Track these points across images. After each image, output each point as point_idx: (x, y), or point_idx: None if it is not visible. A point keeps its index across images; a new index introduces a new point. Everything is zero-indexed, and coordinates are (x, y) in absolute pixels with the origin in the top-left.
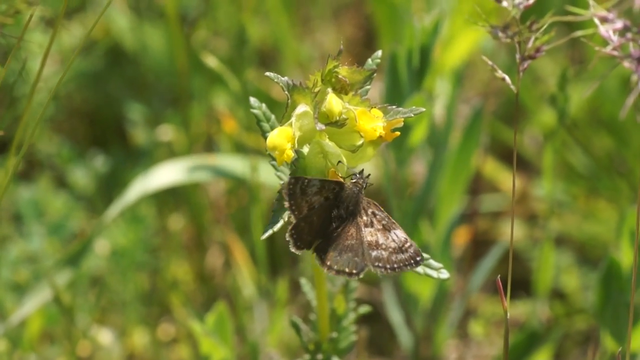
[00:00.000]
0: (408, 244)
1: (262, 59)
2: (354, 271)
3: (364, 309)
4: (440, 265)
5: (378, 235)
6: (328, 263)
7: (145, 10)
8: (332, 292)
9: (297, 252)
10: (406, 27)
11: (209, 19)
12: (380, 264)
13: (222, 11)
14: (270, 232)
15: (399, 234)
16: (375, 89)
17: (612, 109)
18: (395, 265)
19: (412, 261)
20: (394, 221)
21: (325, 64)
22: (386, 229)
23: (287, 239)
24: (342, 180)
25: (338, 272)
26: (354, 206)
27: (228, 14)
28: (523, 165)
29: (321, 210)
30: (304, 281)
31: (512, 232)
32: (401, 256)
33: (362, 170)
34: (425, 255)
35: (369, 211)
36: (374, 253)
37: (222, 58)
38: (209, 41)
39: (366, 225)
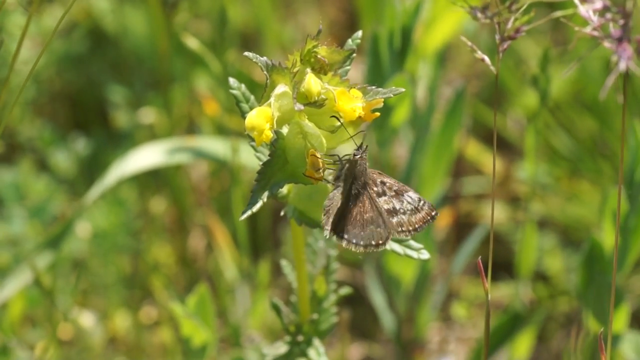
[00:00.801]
0: (422, 202)
1: (244, 41)
2: (380, 242)
3: (345, 290)
4: (420, 245)
5: (393, 201)
6: (354, 241)
7: None
8: (313, 274)
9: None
10: (387, 8)
11: (190, 2)
12: (403, 229)
13: None
14: (249, 212)
15: (412, 195)
16: (358, 70)
17: (595, 91)
18: (417, 226)
19: (429, 217)
20: (403, 184)
21: (305, 44)
22: (399, 193)
23: (325, 227)
24: (352, 156)
25: (365, 246)
26: (364, 179)
27: None
28: (506, 147)
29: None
30: (284, 263)
31: (492, 214)
32: (419, 215)
33: (362, 142)
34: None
35: (378, 181)
36: (395, 219)
37: (203, 40)
38: (191, 23)
39: (379, 195)
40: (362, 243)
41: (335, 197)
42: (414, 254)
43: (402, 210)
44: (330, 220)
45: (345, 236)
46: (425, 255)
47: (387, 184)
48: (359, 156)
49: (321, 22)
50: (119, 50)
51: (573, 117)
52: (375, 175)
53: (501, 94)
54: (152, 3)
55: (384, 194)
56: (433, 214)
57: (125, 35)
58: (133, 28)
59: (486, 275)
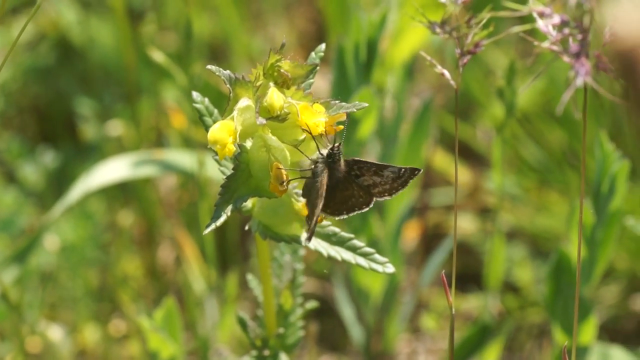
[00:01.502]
0: (402, 170)
1: (212, 52)
2: (364, 206)
3: (312, 304)
4: (385, 259)
5: (373, 178)
6: (337, 212)
7: (94, 4)
8: (279, 288)
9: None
10: (353, 20)
11: (157, 13)
12: (385, 194)
13: (170, 5)
14: (212, 226)
15: (392, 168)
16: (326, 80)
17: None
18: (399, 187)
19: (412, 175)
20: (382, 163)
21: (269, 57)
22: (379, 170)
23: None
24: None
25: (348, 213)
26: (341, 173)
27: (176, 8)
28: (475, 158)
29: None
30: (250, 277)
31: (455, 224)
32: (401, 180)
33: (335, 140)
34: (370, 250)
35: (354, 167)
36: (376, 190)
37: (170, 52)
38: (158, 35)
39: (357, 177)
40: (345, 213)
41: (315, 201)
42: (379, 268)
43: (383, 182)
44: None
45: (328, 210)
46: (390, 269)
47: (365, 166)
48: (336, 154)
49: (285, 37)
50: (87, 62)
51: (541, 128)
52: (351, 162)
53: (469, 105)
54: (118, 15)
55: (362, 175)
56: (415, 172)
57: (93, 48)
58: (100, 40)
59: (453, 287)
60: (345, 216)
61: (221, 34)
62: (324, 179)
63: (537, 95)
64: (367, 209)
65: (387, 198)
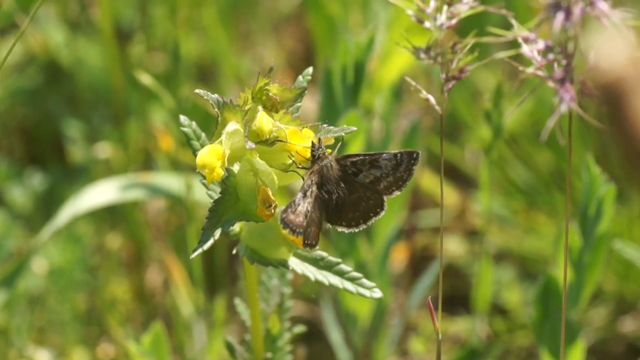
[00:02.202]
0: (398, 155)
1: (201, 73)
2: (378, 210)
3: (299, 328)
4: (373, 284)
5: (372, 172)
6: (353, 224)
7: (82, 26)
8: (267, 312)
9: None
10: (340, 43)
11: (146, 33)
12: (394, 188)
13: (159, 25)
14: (199, 250)
15: (385, 155)
16: (314, 101)
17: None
18: (405, 176)
19: (413, 161)
20: (373, 152)
21: (257, 80)
22: (373, 161)
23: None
24: (312, 162)
25: (366, 222)
26: (334, 174)
27: (165, 28)
28: (463, 180)
29: (316, 202)
30: (237, 301)
31: (441, 246)
32: (402, 167)
33: (317, 139)
34: (357, 274)
35: (348, 163)
36: (382, 185)
37: (159, 73)
38: (146, 56)
39: (356, 174)
40: (361, 222)
41: (307, 211)
42: (367, 293)
43: (384, 174)
44: (308, 234)
45: (344, 223)
46: (377, 294)
47: (359, 161)
48: (319, 148)
49: (273, 58)
50: (75, 84)
51: (529, 150)
52: (342, 160)
53: (457, 126)
54: (107, 36)
55: (360, 171)
56: (414, 156)
57: (81, 69)
58: (88, 61)
59: (440, 312)
60: (364, 226)
61: (209, 55)
62: (313, 178)
63: (524, 117)
64: (382, 212)
65: (397, 193)
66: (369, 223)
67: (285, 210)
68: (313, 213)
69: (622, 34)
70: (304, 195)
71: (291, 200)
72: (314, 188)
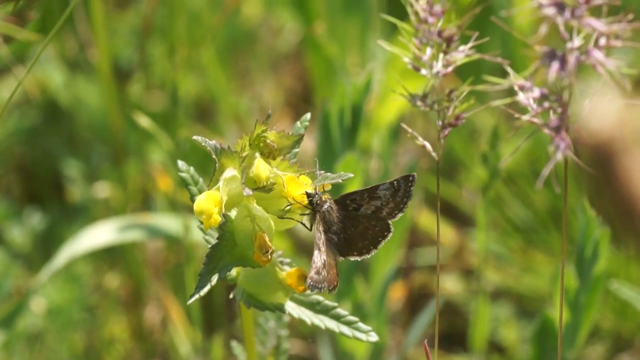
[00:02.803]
0: (395, 182)
1: (200, 112)
2: (386, 234)
3: None
4: (369, 328)
5: (372, 203)
6: (364, 251)
7: (81, 65)
8: (264, 354)
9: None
10: (338, 85)
11: (144, 72)
12: (396, 212)
13: (157, 65)
14: (197, 296)
15: (382, 186)
16: (313, 140)
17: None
18: (405, 199)
19: (410, 184)
20: (369, 186)
21: (255, 127)
22: (371, 193)
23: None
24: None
25: (376, 247)
26: (336, 214)
27: (163, 66)
28: (460, 219)
29: (327, 247)
30: (234, 344)
31: (437, 285)
32: (401, 192)
33: (312, 188)
34: (354, 318)
35: (347, 201)
36: (384, 212)
37: (157, 113)
38: (145, 95)
39: (357, 209)
40: (372, 248)
41: (324, 263)
42: (363, 337)
43: (384, 203)
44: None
45: (355, 253)
46: (373, 337)
47: (357, 197)
48: (315, 194)
49: (272, 100)
50: (74, 123)
51: (526, 188)
52: (342, 199)
53: (454, 165)
54: (105, 76)
55: (360, 205)
56: (410, 179)
57: (79, 108)
58: (87, 101)
59: (438, 348)
60: (375, 251)
61: (208, 94)
62: (320, 227)
63: (521, 156)
64: (390, 234)
65: (400, 214)
66: (379, 247)
67: (310, 275)
68: (327, 258)
69: (616, 83)
70: (319, 250)
71: (311, 262)
72: (323, 237)
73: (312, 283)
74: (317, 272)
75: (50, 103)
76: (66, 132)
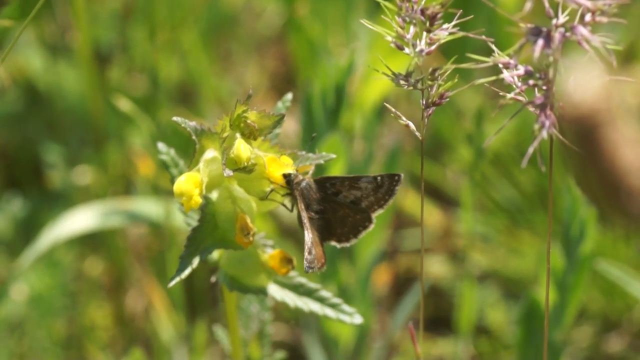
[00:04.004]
0: (379, 177)
1: (182, 95)
2: (367, 224)
3: (280, 354)
4: (353, 310)
5: (352, 192)
6: (343, 239)
7: (61, 49)
8: (247, 338)
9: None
10: (320, 66)
11: (125, 56)
12: (375, 207)
13: (138, 48)
14: (177, 279)
15: (366, 178)
16: (296, 121)
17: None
18: (387, 197)
19: (395, 183)
20: (353, 175)
21: (235, 107)
22: (353, 183)
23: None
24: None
25: (356, 236)
26: (315, 194)
27: (144, 51)
28: (446, 200)
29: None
30: (217, 328)
31: (421, 268)
32: (383, 189)
33: (293, 169)
34: (338, 300)
35: (327, 184)
36: (363, 204)
37: (139, 97)
38: (126, 79)
39: (336, 194)
40: (351, 236)
41: (307, 236)
42: (347, 319)
43: (364, 195)
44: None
45: (334, 239)
46: (358, 319)
47: (337, 182)
48: (292, 179)
49: (254, 81)
50: (54, 108)
51: (512, 168)
52: (321, 181)
53: (440, 146)
54: (85, 60)
55: (339, 192)
56: (396, 178)
57: (60, 93)
58: (67, 86)
59: (424, 332)
60: (354, 240)
61: (190, 77)
62: (300, 205)
63: (508, 135)
64: (371, 225)
65: (380, 211)
66: (359, 237)
67: (305, 257)
68: (312, 235)
69: (602, 59)
70: (307, 229)
71: (304, 244)
72: (306, 214)
73: (307, 264)
74: (309, 252)
75: (30, 88)
76: (46, 117)
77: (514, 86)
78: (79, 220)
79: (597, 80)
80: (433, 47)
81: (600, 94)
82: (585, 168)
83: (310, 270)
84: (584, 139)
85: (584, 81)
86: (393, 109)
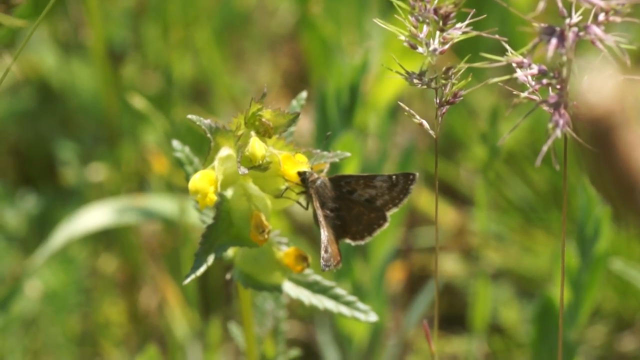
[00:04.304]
0: (394, 176)
1: (195, 93)
2: (382, 222)
3: (294, 352)
4: (368, 307)
5: (367, 190)
6: (358, 237)
7: (74, 47)
8: (262, 336)
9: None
10: (334, 65)
11: (139, 53)
12: (390, 205)
13: (152, 46)
14: (192, 276)
15: (380, 177)
16: (310, 120)
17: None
18: (402, 196)
19: (410, 182)
20: (368, 174)
21: (250, 105)
22: (368, 182)
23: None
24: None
25: (370, 234)
26: (330, 192)
27: (158, 49)
28: (460, 199)
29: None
30: (231, 325)
31: (436, 266)
32: (398, 187)
33: (308, 167)
34: (352, 298)
35: (342, 183)
36: (378, 203)
37: (152, 94)
38: (139, 76)
39: (351, 193)
40: (366, 234)
41: (324, 234)
42: (362, 316)
43: (379, 194)
44: (326, 254)
45: (349, 236)
46: (372, 317)
47: (353, 180)
48: (306, 172)
49: (268, 79)
50: (68, 105)
51: (526, 167)
52: (336, 180)
53: (453, 145)
54: (99, 57)
55: (354, 190)
56: (411, 177)
57: (73, 91)
58: (81, 83)
59: (438, 330)
60: (369, 238)
61: (203, 75)
62: (316, 203)
63: (522, 134)
64: (386, 224)
65: (395, 209)
66: (374, 234)
67: (321, 255)
68: (328, 233)
69: (616, 59)
70: (323, 227)
71: (320, 242)
72: (321, 212)
73: (323, 263)
74: (326, 250)
75: (44, 85)
76: (60, 115)
77: (528, 85)
78: (93, 217)
79: (611, 81)
80: (446, 46)
81: (615, 94)
82: (599, 168)
83: (327, 269)
84: (598, 141)
85: (598, 81)
86: (407, 108)
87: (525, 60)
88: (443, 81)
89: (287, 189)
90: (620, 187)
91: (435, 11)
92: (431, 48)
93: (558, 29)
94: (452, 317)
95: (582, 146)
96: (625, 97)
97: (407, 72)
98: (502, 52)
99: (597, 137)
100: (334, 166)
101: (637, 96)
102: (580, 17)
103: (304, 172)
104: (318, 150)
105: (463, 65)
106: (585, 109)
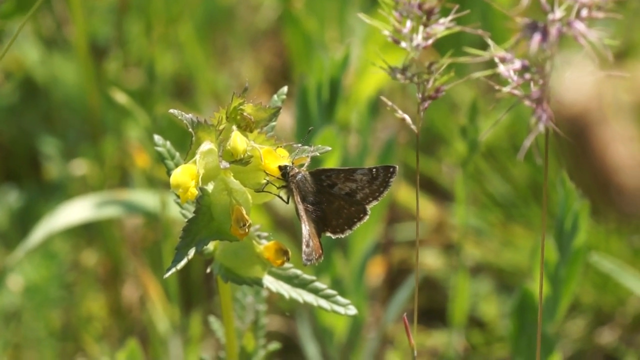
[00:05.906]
0: (374, 169)
1: (178, 89)
2: (361, 215)
3: (274, 345)
4: (348, 301)
5: (347, 184)
6: (338, 230)
7: (58, 43)
8: (242, 329)
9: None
10: (315, 60)
11: (121, 50)
12: (370, 199)
13: (135, 42)
14: (173, 270)
15: (361, 170)
16: (291, 116)
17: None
18: (381, 189)
19: (389, 175)
20: (348, 167)
21: (232, 100)
22: (349, 175)
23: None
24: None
25: (351, 228)
26: (311, 186)
27: (140, 45)
28: (440, 193)
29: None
30: (212, 319)
31: (417, 261)
32: (378, 181)
33: (289, 161)
34: (332, 292)
35: (323, 176)
36: (358, 196)
37: (135, 90)
38: (122, 72)
39: (331, 187)
40: (346, 228)
41: (305, 228)
42: (341, 310)
43: (360, 187)
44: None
45: (329, 230)
46: (352, 311)
47: (333, 174)
48: (288, 172)
49: (250, 75)
50: (51, 101)
51: (506, 162)
52: (317, 174)
53: (434, 139)
54: (82, 53)
55: (334, 184)
56: (391, 170)
57: (56, 86)
58: (64, 78)
59: (418, 324)
60: (349, 231)
61: (186, 71)
62: (297, 198)
63: (501, 129)
64: (366, 217)
65: (375, 203)
66: (354, 228)
67: (303, 249)
68: (309, 227)
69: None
70: (304, 222)
71: (302, 237)
72: (302, 206)
73: (305, 257)
74: (307, 245)
75: (27, 81)
76: (43, 110)
77: (510, 80)
78: (75, 211)
79: (591, 78)
80: (429, 41)
81: (593, 92)
82: (577, 164)
83: (309, 263)
84: (576, 138)
85: (578, 78)
86: (389, 102)
87: (508, 55)
88: (426, 76)
89: (267, 183)
90: (597, 183)
91: (419, 6)
92: (414, 43)
93: (541, 24)
94: (432, 311)
95: (561, 142)
96: (603, 94)
97: (390, 67)
98: (484, 48)
99: (574, 134)
100: (315, 160)
101: (616, 92)
102: (564, 13)
103: (285, 167)
104: (299, 145)
105: (445, 60)
106: (564, 106)
